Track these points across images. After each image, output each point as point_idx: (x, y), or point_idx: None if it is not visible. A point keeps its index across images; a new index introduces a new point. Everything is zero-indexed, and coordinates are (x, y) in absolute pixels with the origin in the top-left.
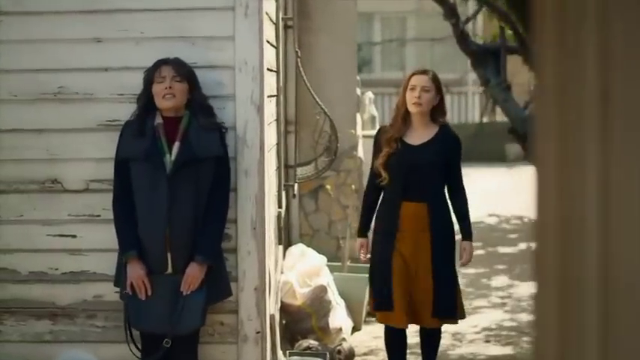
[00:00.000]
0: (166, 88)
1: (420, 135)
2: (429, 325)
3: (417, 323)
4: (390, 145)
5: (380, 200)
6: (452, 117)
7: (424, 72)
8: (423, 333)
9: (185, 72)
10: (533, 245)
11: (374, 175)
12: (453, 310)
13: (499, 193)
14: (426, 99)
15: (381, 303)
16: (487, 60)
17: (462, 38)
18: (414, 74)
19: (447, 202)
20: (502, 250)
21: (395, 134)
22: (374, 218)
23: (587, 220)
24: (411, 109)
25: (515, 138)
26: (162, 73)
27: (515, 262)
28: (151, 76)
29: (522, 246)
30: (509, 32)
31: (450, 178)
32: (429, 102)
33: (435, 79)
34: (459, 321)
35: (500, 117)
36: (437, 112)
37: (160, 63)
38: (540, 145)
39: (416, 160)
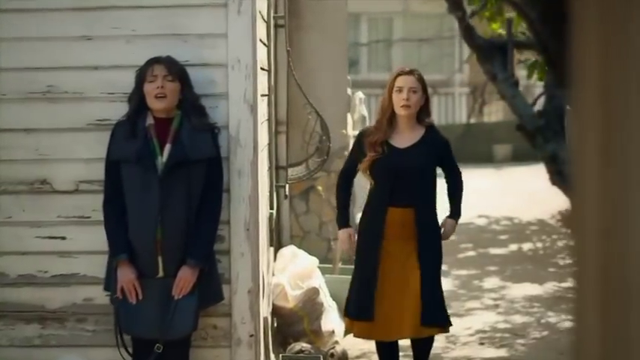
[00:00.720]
0: (158, 88)
1: (406, 137)
2: (419, 335)
3: (405, 335)
4: (375, 149)
5: (364, 205)
6: (439, 118)
7: (410, 72)
8: (413, 342)
9: (177, 71)
10: (572, 244)
11: (349, 167)
12: (443, 318)
13: (488, 194)
14: (414, 100)
15: (359, 310)
16: (494, 55)
17: (468, 32)
18: (399, 75)
19: (434, 207)
20: (493, 251)
21: (380, 137)
22: (358, 224)
23: (630, 218)
24: (400, 111)
25: (524, 135)
26: (154, 72)
27: (507, 263)
28: (142, 75)
29: (513, 247)
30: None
31: (445, 168)
32: (417, 103)
33: (421, 79)
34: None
35: (487, 118)
36: (422, 112)
37: (152, 62)
38: (581, 142)
39: (403, 163)
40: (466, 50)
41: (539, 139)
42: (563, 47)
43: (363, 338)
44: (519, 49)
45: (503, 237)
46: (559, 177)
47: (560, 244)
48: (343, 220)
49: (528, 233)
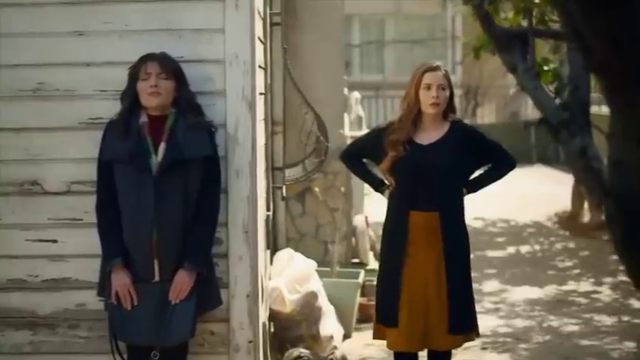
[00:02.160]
0: (152, 86)
1: (430, 135)
2: (444, 345)
3: (430, 346)
4: (397, 148)
5: (386, 209)
6: None
7: (437, 68)
8: (431, 356)
9: (172, 68)
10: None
11: (353, 152)
12: (470, 325)
13: (482, 196)
14: (443, 98)
15: (387, 316)
16: (513, 45)
17: (486, 21)
18: (426, 71)
19: (462, 210)
20: (490, 254)
21: (403, 137)
22: (382, 229)
23: None
24: (428, 109)
25: (548, 129)
26: (147, 70)
27: (505, 266)
28: (135, 72)
29: (511, 250)
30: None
31: (486, 159)
32: (445, 101)
33: (447, 76)
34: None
35: (480, 119)
36: (447, 109)
37: (146, 58)
38: None
39: (426, 161)
40: (458, 51)
41: (563, 133)
42: (604, 32)
43: (396, 349)
44: (540, 38)
45: (500, 239)
46: (589, 173)
47: (558, 246)
48: (376, 180)
49: (525, 235)
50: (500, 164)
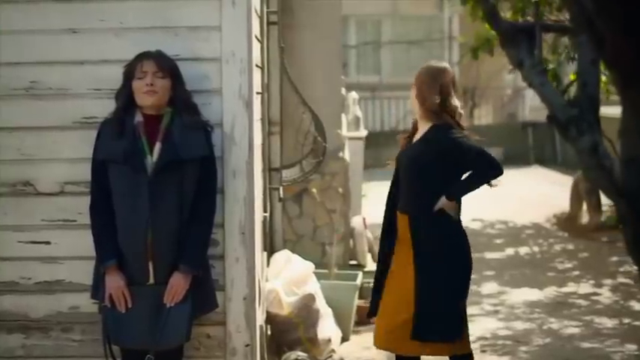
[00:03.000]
0: (147, 85)
1: (418, 136)
2: (407, 351)
3: (396, 349)
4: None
5: None
6: None
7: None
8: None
9: (168, 67)
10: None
11: None
12: (437, 334)
13: (480, 198)
14: (412, 96)
15: (371, 307)
16: (519, 39)
17: (492, 15)
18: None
19: (433, 215)
20: (489, 255)
21: (410, 132)
22: None
23: None
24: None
25: (556, 126)
26: (143, 68)
27: (504, 268)
28: (131, 70)
29: (510, 251)
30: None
31: (463, 167)
32: (414, 100)
33: (419, 75)
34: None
35: (477, 121)
36: (437, 110)
37: (141, 57)
38: None
39: (401, 161)
40: (455, 52)
41: (572, 130)
42: (618, 22)
43: (376, 346)
44: (548, 32)
45: (498, 241)
46: (601, 172)
47: (557, 247)
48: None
49: (524, 237)
50: (479, 171)
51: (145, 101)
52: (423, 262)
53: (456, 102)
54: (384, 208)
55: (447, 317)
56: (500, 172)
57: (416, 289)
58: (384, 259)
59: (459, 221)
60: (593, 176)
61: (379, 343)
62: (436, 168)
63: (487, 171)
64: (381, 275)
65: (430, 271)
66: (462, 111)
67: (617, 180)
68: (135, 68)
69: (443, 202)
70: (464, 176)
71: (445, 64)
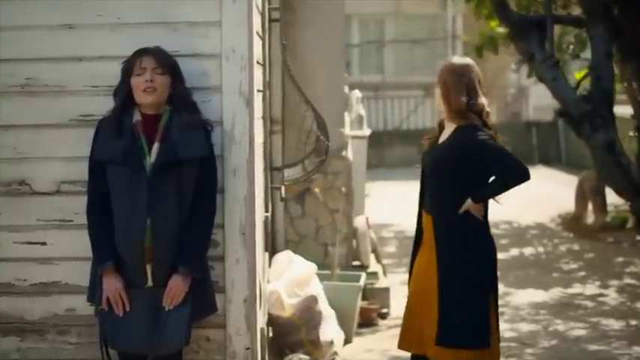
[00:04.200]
0: (147, 81)
1: (443, 136)
2: (431, 355)
3: (425, 352)
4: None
5: None
6: (432, 120)
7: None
8: None
9: (167, 63)
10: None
11: None
12: (464, 341)
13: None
14: (437, 95)
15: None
16: (530, 32)
17: (501, 7)
18: None
19: (456, 217)
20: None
21: (435, 133)
22: None
23: None
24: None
25: (568, 122)
26: (142, 64)
27: (509, 268)
28: (129, 67)
29: (514, 252)
30: None
31: (488, 173)
32: (438, 100)
33: (441, 73)
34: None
35: None
36: (463, 111)
37: (140, 53)
38: None
39: (426, 162)
40: (459, 52)
41: (585, 126)
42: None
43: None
44: (560, 24)
45: (503, 241)
46: (617, 169)
47: (562, 248)
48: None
49: (529, 237)
50: (505, 175)
51: (144, 99)
52: (445, 264)
53: (482, 100)
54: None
55: (474, 323)
56: (527, 177)
57: (439, 293)
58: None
59: (486, 223)
60: (609, 174)
61: (406, 345)
62: (461, 171)
63: (513, 175)
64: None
65: (453, 274)
66: (489, 109)
67: (635, 178)
68: (133, 64)
69: (468, 204)
70: (491, 179)
71: (469, 60)
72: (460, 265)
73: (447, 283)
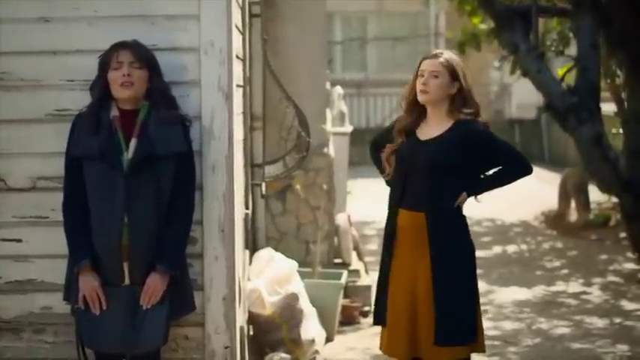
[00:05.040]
0: (124, 76)
1: (431, 130)
2: (429, 357)
3: (418, 354)
4: (397, 138)
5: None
6: None
7: (435, 55)
8: None
9: (145, 57)
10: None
11: (379, 140)
12: (462, 337)
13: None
14: (432, 86)
15: (376, 314)
16: (514, 23)
17: None
18: (425, 58)
19: (455, 213)
20: (477, 253)
21: (405, 125)
22: None
23: None
24: (419, 97)
25: (553, 116)
26: (119, 58)
27: (492, 266)
28: (106, 61)
29: (497, 249)
30: None
31: (493, 162)
32: (438, 90)
33: (448, 64)
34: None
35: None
36: (455, 103)
37: (117, 47)
38: None
39: (416, 157)
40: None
41: (571, 119)
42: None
43: (385, 353)
44: (545, 15)
45: (486, 239)
46: (605, 164)
47: (545, 246)
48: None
49: (512, 235)
50: (508, 168)
51: (121, 94)
52: (440, 261)
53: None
54: (387, 211)
55: (468, 319)
56: (531, 171)
57: (435, 292)
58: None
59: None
60: (596, 168)
61: (397, 351)
62: (466, 165)
63: (516, 169)
64: (385, 279)
65: (449, 270)
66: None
67: (622, 173)
68: (110, 58)
69: (463, 198)
70: (489, 173)
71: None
72: (457, 261)
73: (442, 281)
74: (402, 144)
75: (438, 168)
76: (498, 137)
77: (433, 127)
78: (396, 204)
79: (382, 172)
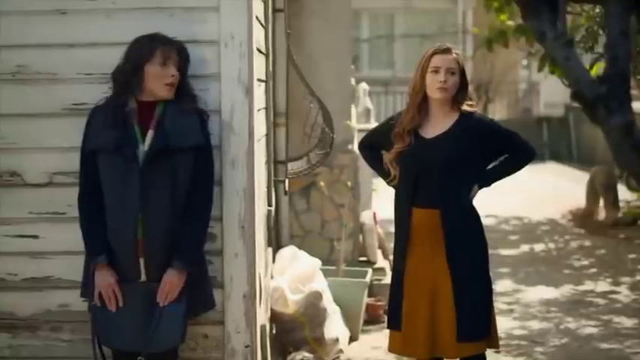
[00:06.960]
0: (172, 76)
1: (437, 127)
2: (451, 354)
3: (441, 354)
4: (404, 139)
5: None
6: None
7: (447, 50)
8: None
9: (186, 61)
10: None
11: (369, 141)
12: (483, 332)
13: (495, 193)
14: (451, 83)
15: (389, 320)
16: (541, 9)
17: None
18: (435, 53)
19: (469, 208)
20: (504, 252)
21: (408, 126)
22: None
23: None
24: (435, 94)
25: (582, 105)
26: (166, 54)
27: (519, 265)
28: (149, 52)
29: (525, 248)
30: None
31: (500, 150)
32: (454, 87)
33: (459, 60)
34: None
35: (491, 115)
36: (458, 97)
37: (162, 42)
38: None
39: (426, 156)
40: (469, 47)
41: (600, 109)
42: None
43: (396, 353)
44: (573, 1)
45: (513, 237)
46: (635, 154)
47: (573, 244)
48: (386, 173)
49: (539, 233)
50: (516, 155)
51: (165, 93)
52: (456, 259)
53: None
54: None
55: (486, 313)
56: (535, 154)
57: (455, 288)
58: (403, 265)
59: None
60: (626, 161)
61: (416, 352)
62: (479, 158)
63: (522, 155)
64: (399, 280)
65: (466, 267)
66: None
67: None
68: (154, 52)
69: (476, 191)
70: (496, 162)
71: None
72: (473, 254)
73: (461, 276)
74: (409, 144)
75: (453, 163)
76: (502, 125)
77: (438, 124)
78: (409, 204)
79: (385, 175)
